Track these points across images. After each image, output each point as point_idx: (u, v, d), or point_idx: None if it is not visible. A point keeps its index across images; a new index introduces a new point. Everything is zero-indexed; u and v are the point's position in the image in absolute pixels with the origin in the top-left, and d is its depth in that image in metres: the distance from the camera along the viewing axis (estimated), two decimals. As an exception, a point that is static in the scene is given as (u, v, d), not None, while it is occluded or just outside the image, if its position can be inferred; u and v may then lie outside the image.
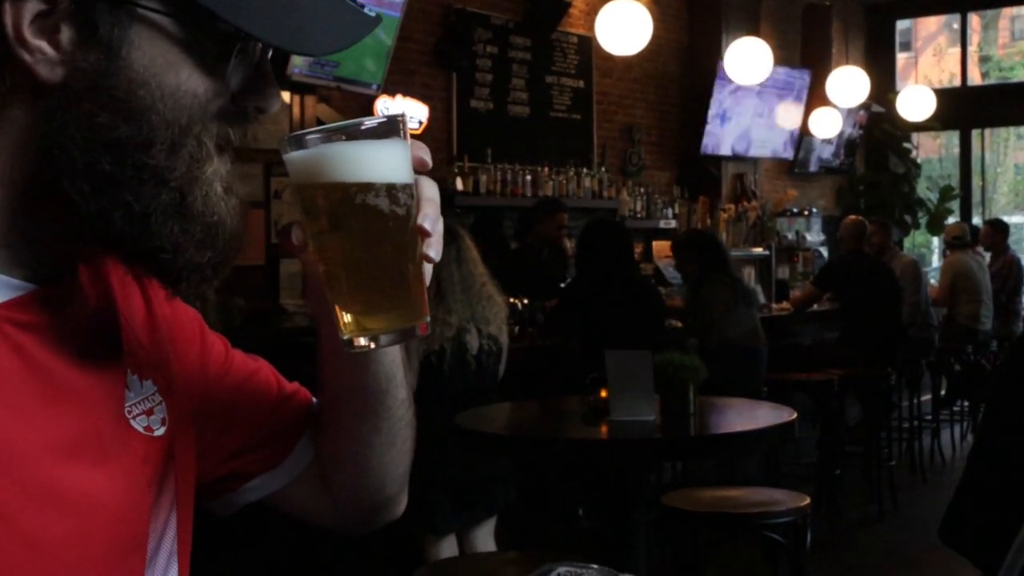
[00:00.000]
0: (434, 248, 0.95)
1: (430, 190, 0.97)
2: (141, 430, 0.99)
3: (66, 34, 0.84)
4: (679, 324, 6.67)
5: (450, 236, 4.21)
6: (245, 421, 1.15)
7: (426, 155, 0.97)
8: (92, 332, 0.97)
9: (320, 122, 6.65)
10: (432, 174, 0.99)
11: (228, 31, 0.87)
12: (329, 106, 6.91)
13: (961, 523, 1.33)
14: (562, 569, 1.02)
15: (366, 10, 0.97)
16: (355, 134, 0.92)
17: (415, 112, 7.53)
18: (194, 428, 1.08)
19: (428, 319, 0.97)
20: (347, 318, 0.95)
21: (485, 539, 4.21)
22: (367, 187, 0.92)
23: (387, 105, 7.25)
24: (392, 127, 0.94)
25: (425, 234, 0.95)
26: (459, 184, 7.65)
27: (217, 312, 5.67)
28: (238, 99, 0.92)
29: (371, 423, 1.13)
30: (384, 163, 0.93)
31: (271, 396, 1.18)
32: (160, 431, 1.01)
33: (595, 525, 5.70)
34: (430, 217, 0.95)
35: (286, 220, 1.01)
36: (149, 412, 1.01)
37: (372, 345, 0.96)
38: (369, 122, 0.93)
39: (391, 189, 0.93)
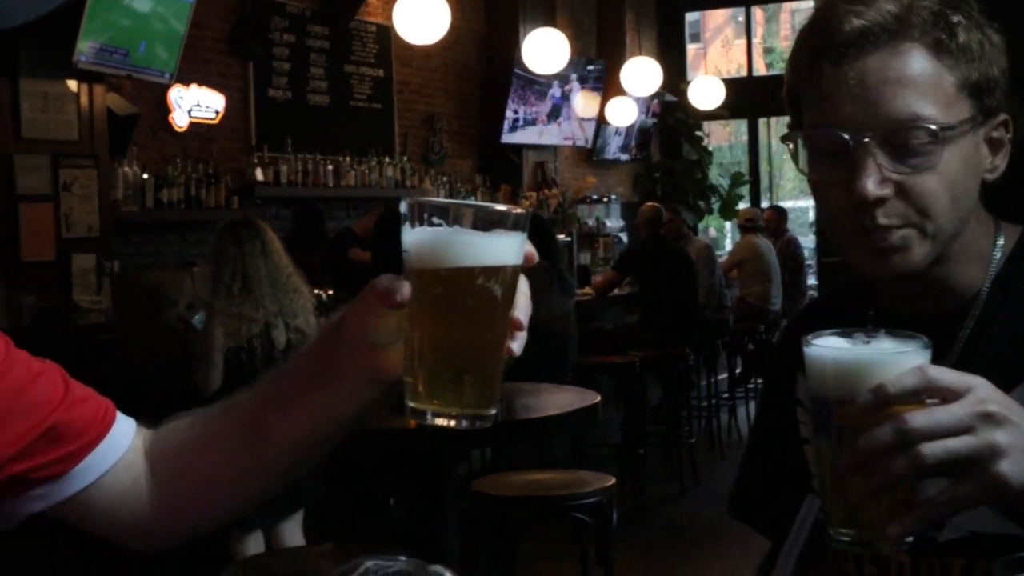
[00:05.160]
0: (518, 343, 0.97)
1: (523, 284, 0.99)
2: None
3: None
4: None
5: (252, 231, 4.15)
6: (25, 426, 1.10)
7: (533, 250, 0.98)
8: None
9: (111, 112, 6.39)
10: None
11: None
12: (120, 95, 6.65)
13: (747, 498, 1.38)
14: (370, 563, 1.01)
15: None
16: (487, 222, 0.93)
17: (211, 102, 7.34)
18: None
19: (496, 411, 0.97)
20: (424, 388, 0.94)
21: (293, 533, 4.16)
22: (488, 273, 0.93)
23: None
24: (521, 222, 0.95)
25: (519, 327, 0.96)
26: (259, 174, 7.48)
27: (3, 310, 5.41)
28: None
29: (299, 457, 1.16)
30: (508, 255, 0.94)
31: (55, 401, 1.12)
32: None
33: (407, 515, 5.69)
34: (524, 310, 0.97)
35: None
36: None
37: (446, 423, 0.94)
38: (505, 213, 0.94)
39: (506, 280, 0.95)
